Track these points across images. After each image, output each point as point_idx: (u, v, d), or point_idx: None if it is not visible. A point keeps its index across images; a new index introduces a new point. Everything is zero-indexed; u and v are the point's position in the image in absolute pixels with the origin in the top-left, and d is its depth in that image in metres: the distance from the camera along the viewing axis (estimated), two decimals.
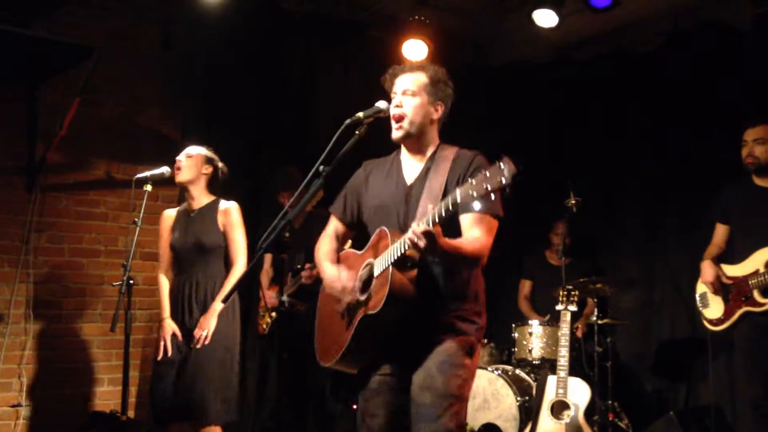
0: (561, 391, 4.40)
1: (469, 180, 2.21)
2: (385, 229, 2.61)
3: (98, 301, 4.98)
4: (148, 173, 3.92)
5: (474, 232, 2.55)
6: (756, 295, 3.90)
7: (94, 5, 4.97)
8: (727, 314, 4.04)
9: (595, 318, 4.98)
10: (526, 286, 5.83)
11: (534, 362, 5.00)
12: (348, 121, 2.62)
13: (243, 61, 5.42)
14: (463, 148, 2.74)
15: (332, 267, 2.75)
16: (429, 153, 2.74)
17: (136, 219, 3.83)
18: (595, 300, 5.06)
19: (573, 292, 4.65)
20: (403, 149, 2.80)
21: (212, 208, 3.95)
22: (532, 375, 4.90)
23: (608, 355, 5.00)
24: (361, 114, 2.66)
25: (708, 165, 5.08)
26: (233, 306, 3.88)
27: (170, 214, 4.06)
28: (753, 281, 3.91)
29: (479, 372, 4.67)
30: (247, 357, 4.86)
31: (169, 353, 3.79)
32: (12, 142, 4.71)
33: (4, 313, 4.64)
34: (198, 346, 3.72)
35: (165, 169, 3.96)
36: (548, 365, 4.82)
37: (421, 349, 2.62)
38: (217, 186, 4.04)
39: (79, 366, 4.90)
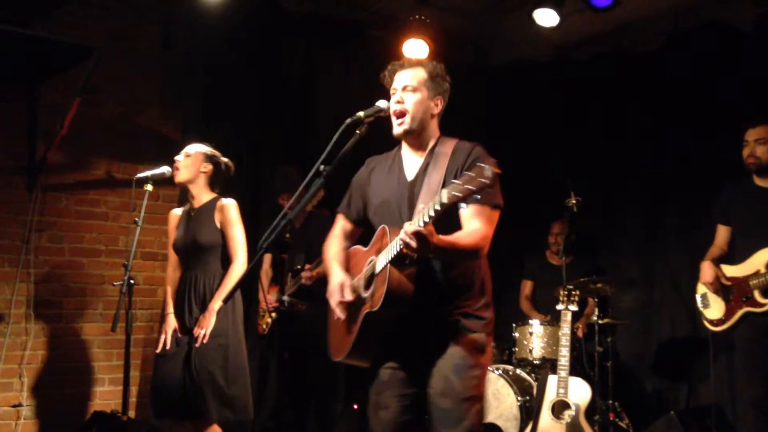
0: (562, 390, 4.40)
1: (454, 181, 2.22)
2: (385, 226, 2.62)
3: (99, 300, 4.99)
4: (148, 173, 3.92)
5: (473, 224, 2.55)
6: (757, 295, 3.90)
7: (94, 5, 4.98)
8: (728, 315, 4.04)
9: (595, 318, 4.98)
10: (527, 286, 5.83)
11: (535, 362, 5.00)
12: (349, 120, 2.62)
13: (243, 61, 5.42)
14: (463, 140, 2.74)
15: (340, 272, 2.76)
16: (429, 147, 2.75)
17: (136, 219, 3.83)
18: (596, 300, 5.06)
19: (574, 292, 4.65)
20: (404, 145, 2.80)
21: (211, 206, 3.94)
22: (532, 375, 4.90)
23: (609, 354, 5.00)
24: (361, 113, 2.65)
25: (708, 165, 5.08)
26: (233, 304, 3.87)
27: (176, 214, 4.07)
28: (753, 282, 3.91)
29: None
30: (247, 357, 4.86)
31: (168, 346, 3.81)
32: (12, 141, 4.72)
33: (4, 312, 4.64)
34: (197, 345, 3.72)
35: (165, 169, 3.96)
36: (549, 365, 4.82)
37: (429, 348, 2.63)
38: (220, 183, 4.03)
39: (79, 366, 4.90)
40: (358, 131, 2.64)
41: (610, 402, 4.85)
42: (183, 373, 3.73)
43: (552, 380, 4.46)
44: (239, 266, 3.84)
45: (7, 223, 4.69)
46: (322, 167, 2.56)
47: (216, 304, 3.75)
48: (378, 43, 5.78)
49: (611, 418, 4.79)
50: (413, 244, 2.31)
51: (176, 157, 3.95)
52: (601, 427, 4.66)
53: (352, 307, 2.68)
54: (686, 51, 5.37)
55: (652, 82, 5.61)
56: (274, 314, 4.69)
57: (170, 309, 3.92)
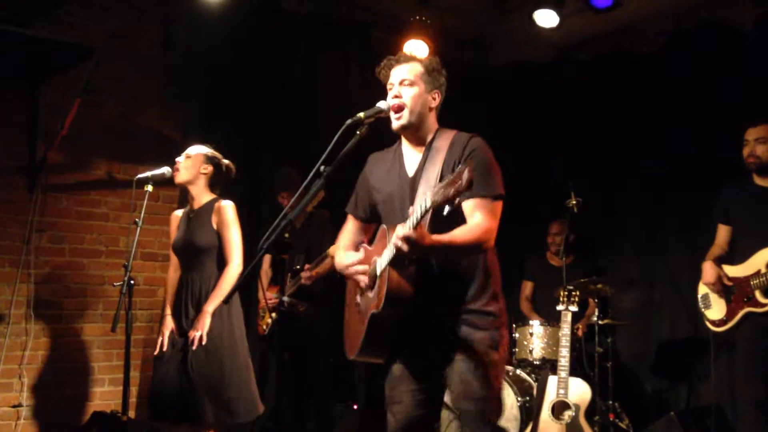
0: (562, 391, 4.40)
1: (438, 184, 2.23)
2: (385, 226, 2.63)
3: (99, 301, 4.99)
4: (149, 173, 3.91)
5: (474, 218, 2.54)
6: (758, 295, 3.89)
7: (95, 5, 4.97)
8: (729, 315, 4.04)
9: (595, 318, 4.98)
10: (527, 287, 5.83)
11: (535, 362, 5.00)
12: (349, 121, 2.61)
13: (243, 61, 5.42)
14: (462, 131, 2.73)
15: (346, 253, 2.79)
16: (428, 141, 2.74)
17: (137, 219, 3.83)
18: (596, 300, 5.06)
19: (574, 293, 4.65)
20: (404, 140, 2.80)
21: (209, 207, 3.93)
22: (532, 375, 4.89)
23: (609, 355, 4.99)
24: (362, 114, 2.65)
25: (708, 165, 5.08)
26: (229, 306, 3.84)
27: (177, 215, 4.07)
28: (755, 282, 3.90)
29: None
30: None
31: (164, 348, 3.81)
32: (13, 142, 4.72)
33: (5, 313, 4.64)
34: (193, 347, 3.71)
35: (166, 170, 3.95)
36: (549, 365, 4.82)
37: (438, 348, 2.63)
38: (221, 184, 4.02)
39: (79, 366, 4.90)
40: (358, 132, 2.63)
41: (610, 402, 4.85)
42: (179, 375, 3.73)
43: (552, 381, 4.46)
44: (234, 268, 3.83)
45: (7, 223, 4.69)
46: (322, 168, 2.56)
47: (210, 305, 3.74)
48: (378, 44, 5.78)
49: (611, 419, 4.78)
50: (404, 248, 2.31)
51: (177, 159, 3.95)
52: (601, 427, 4.65)
53: (362, 306, 2.69)
54: (686, 51, 5.37)
55: (652, 82, 5.61)
56: (274, 314, 4.69)
57: (168, 311, 3.93)
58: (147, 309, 5.11)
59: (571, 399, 4.38)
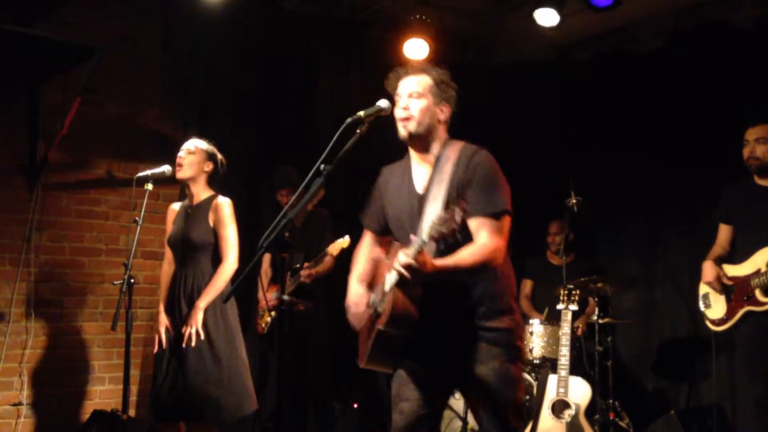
0: (562, 390, 4.40)
1: (433, 219, 2.29)
2: (397, 243, 2.64)
3: (99, 299, 4.99)
4: (149, 172, 3.91)
5: (480, 238, 2.53)
6: (758, 294, 3.89)
7: (95, 6, 4.98)
8: (730, 314, 4.04)
9: (596, 317, 4.98)
10: (527, 285, 5.83)
11: (535, 361, 5.00)
12: (349, 120, 2.61)
13: (243, 61, 5.42)
14: (469, 143, 2.72)
15: (357, 285, 2.79)
16: (435, 155, 2.70)
17: (137, 218, 3.83)
18: (596, 299, 5.06)
19: (574, 292, 4.65)
20: (413, 153, 2.77)
21: (207, 204, 3.93)
22: (533, 374, 4.90)
23: (609, 354, 5.00)
24: (362, 113, 2.64)
25: (708, 165, 5.08)
26: (222, 305, 3.82)
27: (174, 209, 4.07)
28: (755, 281, 3.90)
29: None
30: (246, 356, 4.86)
31: (163, 345, 3.81)
32: (13, 141, 4.73)
33: (5, 311, 4.65)
34: (184, 344, 3.71)
35: (166, 168, 3.95)
36: (549, 364, 4.82)
37: (452, 361, 2.63)
38: (217, 180, 4.02)
39: (79, 365, 4.90)
40: (358, 131, 2.63)
41: (611, 401, 4.85)
42: (175, 373, 3.73)
43: (552, 379, 4.46)
44: (229, 266, 3.83)
45: (7, 222, 4.69)
46: (322, 166, 2.55)
47: (203, 302, 3.74)
48: (378, 43, 5.78)
49: (611, 418, 4.78)
50: (407, 275, 2.33)
51: (179, 154, 3.94)
52: (601, 426, 4.66)
53: (373, 317, 2.69)
54: (686, 51, 5.38)
55: (652, 81, 5.61)
56: (273, 313, 4.69)
57: (161, 307, 3.92)
58: (147, 307, 5.11)
59: (572, 398, 4.39)
